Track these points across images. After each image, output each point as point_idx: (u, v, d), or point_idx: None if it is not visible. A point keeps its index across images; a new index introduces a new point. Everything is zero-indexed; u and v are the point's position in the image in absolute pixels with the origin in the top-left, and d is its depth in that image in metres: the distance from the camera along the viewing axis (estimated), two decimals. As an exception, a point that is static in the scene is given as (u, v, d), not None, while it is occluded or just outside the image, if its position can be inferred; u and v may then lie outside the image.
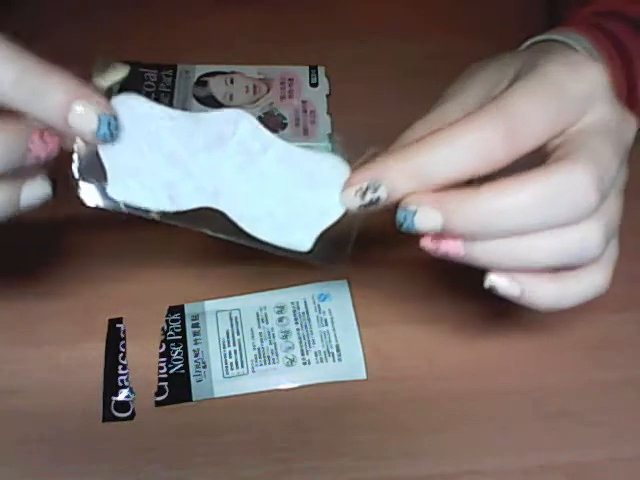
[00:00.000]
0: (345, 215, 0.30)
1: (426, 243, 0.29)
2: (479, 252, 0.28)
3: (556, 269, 0.30)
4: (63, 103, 0.27)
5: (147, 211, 0.31)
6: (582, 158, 0.27)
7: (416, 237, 0.29)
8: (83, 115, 0.28)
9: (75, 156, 0.30)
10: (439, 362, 0.39)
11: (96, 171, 0.30)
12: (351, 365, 0.39)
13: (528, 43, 0.38)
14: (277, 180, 0.30)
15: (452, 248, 0.28)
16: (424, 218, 0.28)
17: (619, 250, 0.32)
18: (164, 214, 0.31)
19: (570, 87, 0.28)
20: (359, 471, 0.35)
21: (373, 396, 0.38)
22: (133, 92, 0.30)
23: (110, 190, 0.30)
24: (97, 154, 0.30)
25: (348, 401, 0.37)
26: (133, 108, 0.30)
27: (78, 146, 0.30)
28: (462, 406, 0.38)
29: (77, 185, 0.30)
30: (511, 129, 0.27)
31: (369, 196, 0.28)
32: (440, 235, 0.28)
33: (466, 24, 0.57)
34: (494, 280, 0.30)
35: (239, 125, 0.30)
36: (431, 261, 0.42)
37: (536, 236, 0.28)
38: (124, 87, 0.31)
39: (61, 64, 0.28)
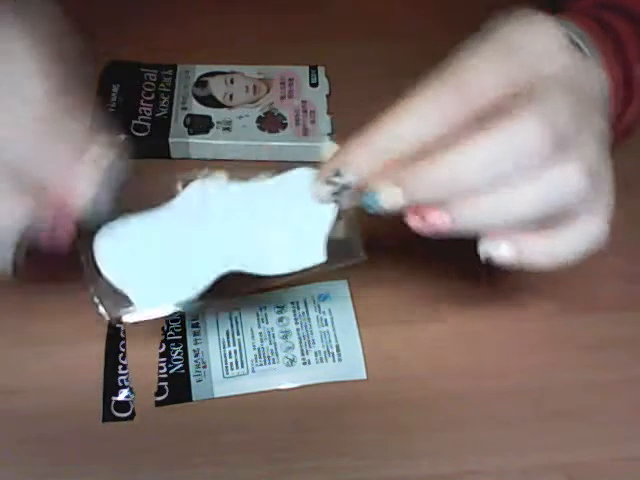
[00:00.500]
0: (340, 212, 0.30)
1: (413, 222, 0.29)
2: (464, 216, 0.28)
3: (549, 223, 0.30)
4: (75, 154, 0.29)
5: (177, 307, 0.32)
6: (532, 109, 0.27)
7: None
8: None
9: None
10: (439, 362, 0.39)
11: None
12: (351, 365, 0.39)
13: None
14: (270, 216, 0.32)
15: (437, 219, 0.29)
16: (387, 196, 0.28)
17: (614, 201, 0.32)
18: (191, 302, 0.32)
19: (522, 45, 0.29)
20: (359, 471, 0.35)
21: (373, 396, 0.38)
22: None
23: (138, 306, 0.32)
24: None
25: (348, 401, 0.37)
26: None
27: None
28: (462, 406, 0.38)
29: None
30: (463, 93, 0.28)
31: (339, 183, 0.29)
32: (419, 210, 0.29)
33: (466, 24, 0.57)
34: (488, 247, 0.30)
35: (210, 195, 0.32)
36: (431, 261, 0.42)
37: (511, 188, 0.28)
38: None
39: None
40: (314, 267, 0.31)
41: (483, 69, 0.28)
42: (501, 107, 0.28)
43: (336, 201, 0.30)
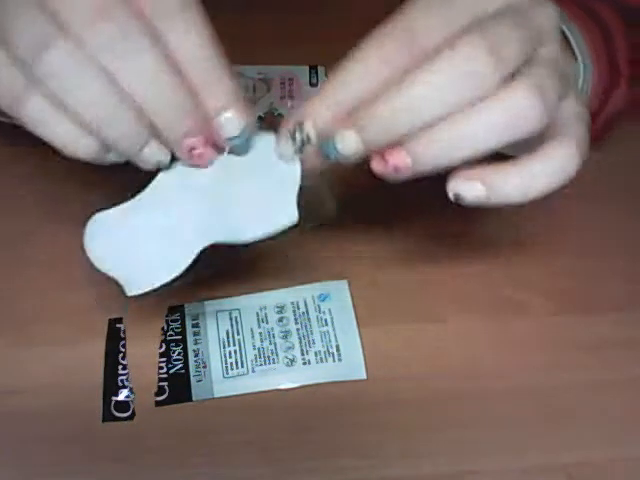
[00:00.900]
0: (309, 171, 0.31)
1: (375, 165, 0.30)
2: (423, 152, 0.28)
3: (515, 153, 0.30)
4: (225, 98, 0.29)
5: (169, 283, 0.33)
6: (476, 39, 0.28)
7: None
8: (231, 121, 0.30)
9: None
10: (439, 362, 0.39)
11: None
12: (351, 365, 0.39)
13: None
14: (241, 184, 0.32)
15: (397, 159, 0.29)
16: (345, 141, 0.29)
17: (586, 131, 0.31)
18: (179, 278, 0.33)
19: None
20: (359, 471, 0.35)
21: (373, 396, 0.38)
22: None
23: (129, 291, 0.33)
24: None
25: (348, 401, 0.37)
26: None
27: None
28: (462, 406, 0.38)
29: None
30: (407, 37, 0.28)
31: (299, 136, 0.30)
32: (380, 153, 0.29)
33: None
34: (456, 185, 0.30)
35: (182, 174, 0.32)
36: (431, 261, 0.42)
37: (466, 118, 0.28)
38: None
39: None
40: (288, 228, 0.32)
41: (426, 13, 0.29)
42: (450, 44, 0.28)
43: (301, 158, 0.31)
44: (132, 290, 0.32)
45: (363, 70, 0.29)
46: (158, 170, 0.32)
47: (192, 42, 0.28)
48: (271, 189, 0.32)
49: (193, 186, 0.32)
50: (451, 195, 0.30)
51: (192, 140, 0.30)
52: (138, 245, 0.33)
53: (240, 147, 0.31)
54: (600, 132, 0.43)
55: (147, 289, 0.32)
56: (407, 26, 0.29)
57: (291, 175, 0.32)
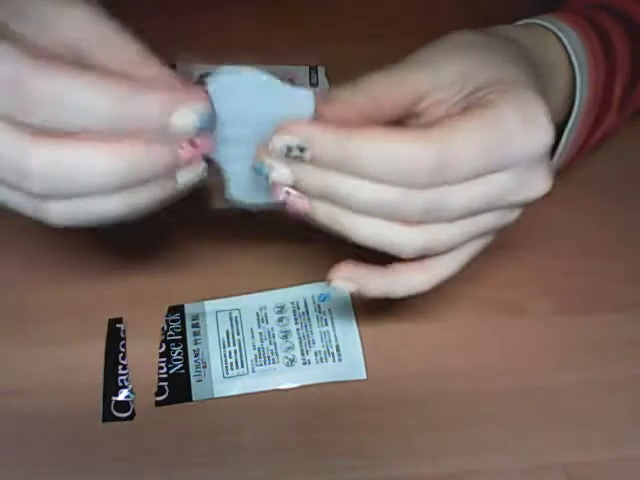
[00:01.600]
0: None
1: (282, 195, 0.30)
2: (320, 207, 0.30)
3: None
4: (160, 120, 0.28)
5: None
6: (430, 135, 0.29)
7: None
8: (183, 117, 0.29)
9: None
10: (439, 362, 0.39)
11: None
12: (351, 365, 0.39)
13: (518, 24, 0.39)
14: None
15: (298, 201, 0.30)
16: (277, 172, 0.30)
17: (457, 268, 0.34)
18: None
19: (514, 138, 0.30)
20: (359, 471, 0.35)
21: (373, 396, 0.38)
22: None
23: (233, 192, 0.32)
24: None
25: (348, 401, 0.37)
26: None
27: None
28: (462, 406, 0.38)
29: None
30: (441, 163, 0.28)
31: (294, 153, 0.29)
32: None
33: (466, 24, 0.57)
34: (332, 279, 0.33)
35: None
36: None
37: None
38: None
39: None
40: None
41: (471, 149, 0.29)
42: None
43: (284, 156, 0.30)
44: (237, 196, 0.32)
45: (381, 160, 0.28)
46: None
47: (99, 94, 0.27)
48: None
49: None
50: (327, 282, 0.33)
51: (176, 157, 0.29)
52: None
53: (210, 124, 0.30)
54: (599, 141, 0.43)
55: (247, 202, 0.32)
56: (445, 150, 0.29)
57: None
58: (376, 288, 0.33)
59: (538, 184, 0.31)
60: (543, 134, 0.30)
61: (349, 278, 0.33)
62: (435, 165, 0.28)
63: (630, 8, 0.43)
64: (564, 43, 0.38)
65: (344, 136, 0.28)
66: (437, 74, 0.31)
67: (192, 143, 0.29)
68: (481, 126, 0.29)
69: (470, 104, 0.31)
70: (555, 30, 0.38)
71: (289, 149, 0.29)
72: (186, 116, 0.28)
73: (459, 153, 0.29)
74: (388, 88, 0.31)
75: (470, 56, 0.32)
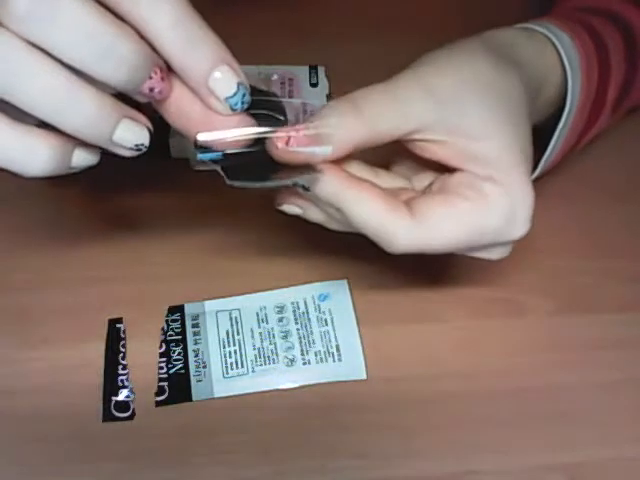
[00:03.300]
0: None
1: None
2: None
3: None
4: (210, 60, 0.28)
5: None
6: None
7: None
8: (224, 79, 0.28)
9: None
10: (439, 362, 0.39)
11: None
12: (351, 365, 0.39)
13: (511, 29, 0.39)
14: None
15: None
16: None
17: None
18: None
19: (492, 235, 0.33)
20: (359, 471, 0.35)
21: (373, 396, 0.38)
22: None
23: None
24: None
25: (348, 401, 0.37)
26: None
27: None
28: (462, 406, 0.38)
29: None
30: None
31: (299, 183, 0.31)
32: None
33: (466, 24, 0.57)
34: (283, 208, 0.35)
35: None
36: (431, 261, 0.42)
37: None
38: None
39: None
40: None
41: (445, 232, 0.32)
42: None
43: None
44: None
45: (358, 212, 0.31)
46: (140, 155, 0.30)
47: (163, 9, 0.26)
48: None
49: None
50: (276, 205, 0.35)
51: (149, 82, 0.27)
52: None
53: (239, 106, 0.30)
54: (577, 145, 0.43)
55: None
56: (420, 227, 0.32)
57: None
58: (315, 212, 0.34)
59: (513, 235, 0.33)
60: (521, 229, 0.33)
61: (294, 203, 0.34)
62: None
63: (623, 11, 0.43)
64: (559, 51, 0.38)
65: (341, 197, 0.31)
66: (445, 122, 0.32)
67: (163, 72, 0.28)
68: (465, 224, 0.32)
69: (465, 184, 0.32)
70: (552, 38, 0.38)
71: (294, 184, 0.31)
72: (225, 79, 0.28)
73: (438, 240, 0.32)
74: (391, 122, 0.31)
75: (481, 114, 0.32)
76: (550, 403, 0.38)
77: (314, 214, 0.34)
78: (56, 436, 0.36)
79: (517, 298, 0.42)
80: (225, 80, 0.28)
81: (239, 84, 0.29)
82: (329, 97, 0.51)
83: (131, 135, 0.28)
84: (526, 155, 0.33)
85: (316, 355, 0.39)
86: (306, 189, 0.31)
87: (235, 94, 0.29)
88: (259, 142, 0.31)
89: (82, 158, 0.29)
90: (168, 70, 0.28)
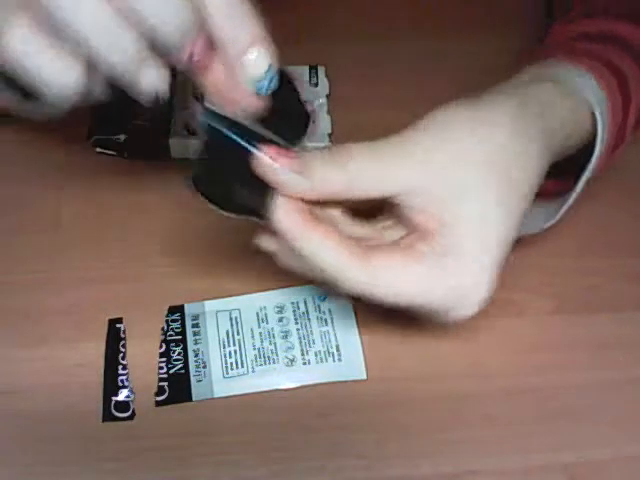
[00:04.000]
0: None
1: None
2: None
3: None
4: (250, 37, 0.29)
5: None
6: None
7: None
8: (258, 59, 0.29)
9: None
10: (439, 362, 0.39)
11: None
12: (351, 365, 0.39)
13: (522, 77, 0.37)
14: None
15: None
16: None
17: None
18: None
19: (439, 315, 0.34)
20: (359, 471, 0.35)
21: (373, 396, 0.38)
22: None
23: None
24: None
25: (348, 401, 0.37)
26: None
27: None
28: (462, 406, 0.38)
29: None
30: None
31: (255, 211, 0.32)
32: None
33: (466, 24, 0.57)
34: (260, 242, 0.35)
35: None
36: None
37: None
38: None
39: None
40: None
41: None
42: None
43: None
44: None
45: (316, 252, 0.31)
46: (157, 105, 0.31)
47: None
48: None
49: None
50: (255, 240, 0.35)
51: (191, 47, 0.29)
52: None
53: (264, 90, 0.30)
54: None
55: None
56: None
57: None
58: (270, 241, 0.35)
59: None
60: (463, 313, 0.33)
61: (271, 240, 0.34)
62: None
63: (629, 35, 0.43)
64: (592, 106, 0.37)
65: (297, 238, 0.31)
66: (428, 196, 0.32)
67: (204, 41, 0.29)
68: (412, 288, 0.32)
69: (429, 251, 0.32)
70: (586, 94, 0.37)
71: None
72: (258, 60, 0.29)
73: (382, 294, 0.32)
74: (371, 184, 0.32)
75: (469, 201, 0.32)
76: (550, 403, 0.38)
77: (267, 243, 0.35)
78: (56, 436, 0.36)
79: (517, 298, 0.42)
80: (258, 60, 0.29)
81: (270, 67, 0.30)
82: (329, 97, 0.51)
83: (154, 83, 0.29)
84: (501, 241, 0.33)
85: (316, 355, 0.39)
86: (260, 217, 0.32)
87: (264, 76, 0.30)
88: (248, 151, 0.31)
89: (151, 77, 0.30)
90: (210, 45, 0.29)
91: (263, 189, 0.31)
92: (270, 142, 0.31)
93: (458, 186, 0.32)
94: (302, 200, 0.32)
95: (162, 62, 0.29)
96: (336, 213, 0.34)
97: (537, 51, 0.43)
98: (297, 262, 0.34)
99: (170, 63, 0.30)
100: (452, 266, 0.32)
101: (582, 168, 0.37)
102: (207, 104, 0.31)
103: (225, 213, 0.32)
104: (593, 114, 0.37)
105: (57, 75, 0.28)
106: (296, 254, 0.32)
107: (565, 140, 0.36)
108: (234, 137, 0.31)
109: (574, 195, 0.38)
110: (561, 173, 0.37)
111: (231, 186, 0.32)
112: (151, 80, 0.29)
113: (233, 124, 0.31)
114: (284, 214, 0.31)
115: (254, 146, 0.31)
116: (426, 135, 0.32)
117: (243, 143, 0.31)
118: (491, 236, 0.32)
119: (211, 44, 0.29)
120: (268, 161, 0.31)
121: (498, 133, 0.33)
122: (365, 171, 0.31)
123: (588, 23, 0.43)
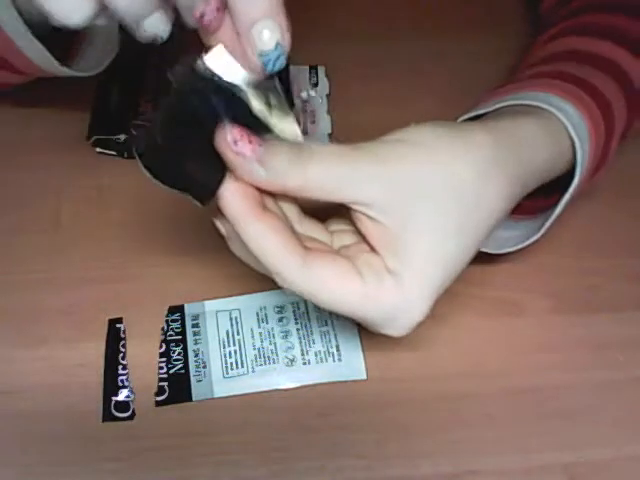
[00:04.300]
0: None
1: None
2: None
3: None
4: (262, 10, 0.29)
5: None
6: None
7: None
8: (267, 33, 0.29)
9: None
10: (439, 362, 0.39)
11: None
12: (351, 365, 0.39)
13: (498, 106, 0.37)
14: None
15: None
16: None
17: None
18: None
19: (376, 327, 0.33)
20: (359, 471, 0.35)
21: (373, 396, 0.38)
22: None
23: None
24: None
25: (348, 401, 0.37)
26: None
27: None
28: (462, 406, 0.38)
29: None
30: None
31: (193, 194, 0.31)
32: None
33: (466, 24, 0.57)
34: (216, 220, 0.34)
35: None
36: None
37: None
38: None
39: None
40: None
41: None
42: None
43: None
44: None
45: (253, 238, 0.31)
46: (152, 44, 0.31)
47: None
48: None
49: None
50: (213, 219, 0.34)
51: (203, 7, 0.29)
52: None
53: (269, 67, 0.30)
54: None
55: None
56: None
57: None
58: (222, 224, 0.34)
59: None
60: (394, 332, 0.32)
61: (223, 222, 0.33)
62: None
63: (620, 23, 0.43)
64: (573, 139, 0.36)
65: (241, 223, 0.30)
66: (389, 219, 0.31)
67: (217, 9, 0.29)
68: (346, 299, 0.31)
69: (372, 267, 0.31)
70: (568, 128, 0.36)
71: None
72: (269, 33, 0.29)
73: (318, 297, 0.31)
74: (328, 187, 0.31)
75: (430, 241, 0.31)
76: (550, 403, 0.38)
77: (220, 224, 0.34)
78: (56, 436, 0.36)
79: (517, 298, 0.42)
80: (267, 34, 0.29)
81: (278, 44, 0.29)
82: (329, 97, 0.51)
83: (157, 27, 0.29)
84: (448, 275, 0.32)
85: (316, 355, 0.39)
86: (197, 197, 0.30)
87: (271, 51, 0.29)
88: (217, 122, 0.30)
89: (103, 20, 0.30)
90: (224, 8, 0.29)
91: (216, 167, 0.30)
92: (246, 126, 0.30)
93: (414, 214, 0.31)
94: (256, 189, 0.31)
95: (169, 9, 0.29)
96: (290, 209, 0.33)
97: (520, 71, 0.43)
98: (242, 250, 0.33)
99: (180, 21, 0.30)
100: (389, 288, 0.31)
101: (566, 184, 0.37)
102: (206, 61, 0.30)
103: (160, 184, 0.30)
104: (573, 145, 0.36)
105: (72, 4, 0.28)
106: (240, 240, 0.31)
107: (544, 172, 0.36)
108: (214, 100, 0.30)
109: (556, 213, 0.37)
110: (546, 188, 0.37)
111: (183, 156, 0.30)
112: (153, 25, 0.29)
113: (219, 90, 0.30)
114: (230, 196, 0.30)
115: (226, 120, 0.30)
116: (393, 152, 0.31)
117: (219, 110, 0.30)
118: (437, 269, 0.32)
119: (224, 7, 0.29)
120: (230, 139, 0.30)
121: (469, 162, 0.32)
122: (324, 176, 0.30)
123: (575, 41, 0.43)
